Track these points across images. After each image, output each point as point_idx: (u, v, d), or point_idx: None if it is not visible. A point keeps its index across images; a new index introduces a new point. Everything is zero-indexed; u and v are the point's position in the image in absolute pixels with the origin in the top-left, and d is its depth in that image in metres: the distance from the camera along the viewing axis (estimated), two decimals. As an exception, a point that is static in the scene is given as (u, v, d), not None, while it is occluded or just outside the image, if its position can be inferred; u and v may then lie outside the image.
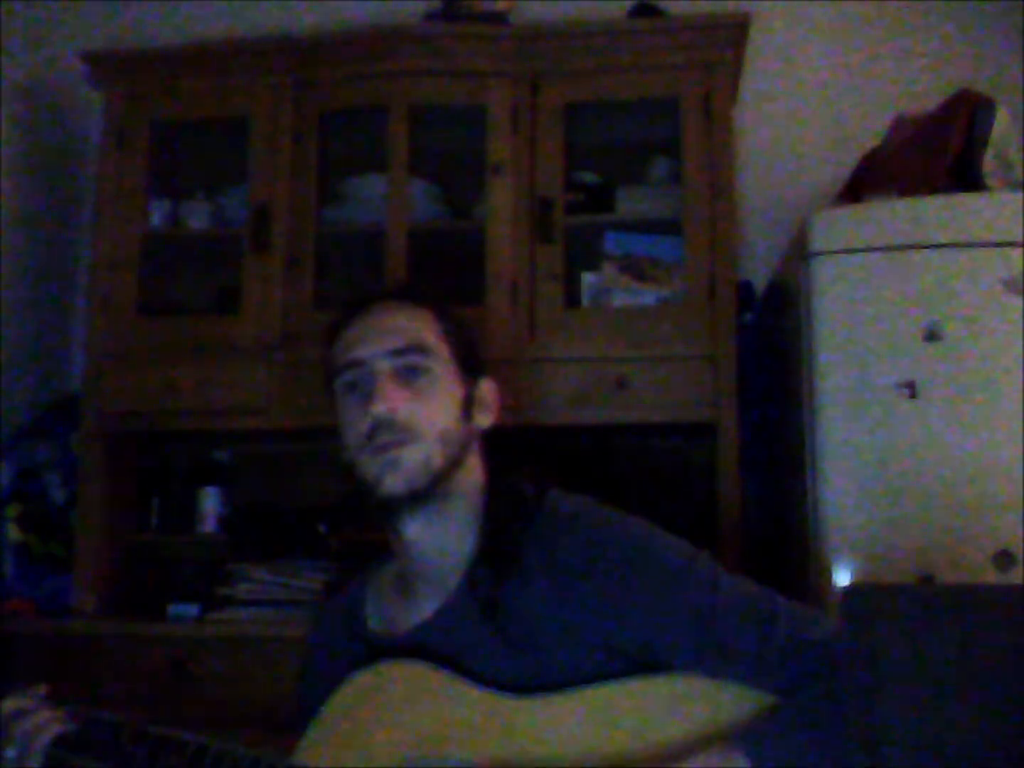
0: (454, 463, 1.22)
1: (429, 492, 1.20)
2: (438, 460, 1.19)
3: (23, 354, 2.85)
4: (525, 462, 1.31)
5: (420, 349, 1.22)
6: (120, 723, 1.21)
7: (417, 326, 1.24)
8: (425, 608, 1.24)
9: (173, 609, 2.48)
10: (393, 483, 1.18)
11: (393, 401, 1.19)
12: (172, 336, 2.59)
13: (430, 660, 1.19)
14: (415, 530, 1.23)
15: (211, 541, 2.68)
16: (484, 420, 1.28)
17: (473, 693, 1.16)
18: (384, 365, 1.21)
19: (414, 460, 1.18)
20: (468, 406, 1.25)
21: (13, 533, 2.62)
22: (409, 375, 1.21)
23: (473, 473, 1.26)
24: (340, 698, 1.20)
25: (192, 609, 2.45)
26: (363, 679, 1.20)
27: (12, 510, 2.64)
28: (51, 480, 2.70)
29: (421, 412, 1.20)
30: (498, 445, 1.31)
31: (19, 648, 2.28)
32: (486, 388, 1.29)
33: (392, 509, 1.22)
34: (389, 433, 1.18)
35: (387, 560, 1.32)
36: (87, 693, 2.23)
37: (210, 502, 2.70)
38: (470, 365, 1.28)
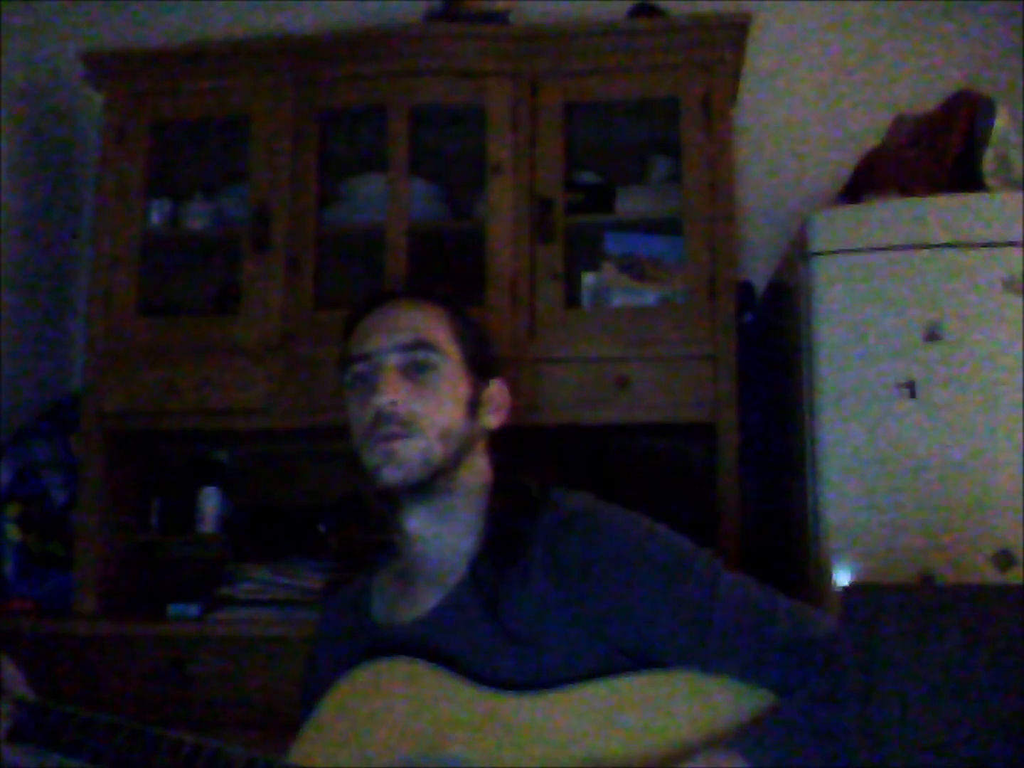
0: (455, 460, 1.23)
1: (428, 486, 1.21)
2: (437, 455, 1.21)
3: (23, 354, 2.85)
4: (526, 462, 1.31)
5: (427, 346, 1.24)
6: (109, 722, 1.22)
7: (428, 324, 1.26)
8: (425, 603, 1.25)
9: (173, 609, 2.48)
10: (391, 474, 1.20)
11: (395, 394, 1.21)
12: (172, 336, 2.59)
13: (429, 655, 1.19)
14: (417, 524, 1.24)
15: (211, 541, 2.68)
16: (491, 421, 1.30)
17: (471, 691, 1.16)
18: (391, 359, 1.23)
19: (412, 453, 1.20)
20: (474, 406, 1.27)
21: (13, 533, 2.62)
22: (415, 370, 1.23)
23: (478, 472, 1.27)
24: (338, 695, 1.20)
25: (192, 609, 2.45)
26: (361, 677, 1.20)
27: (12, 510, 2.64)
28: (51, 480, 2.70)
29: (423, 407, 1.22)
30: (501, 445, 1.32)
31: (19, 648, 2.28)
32: (496, 389, 1.31)
33: (392, 500, 1.23)
34: (390, 425, 1.20)
35: (393, 554, 1.32)
36: (87, 693, 2.24)
37: (210, 502, 2.70)
38: (481, 366, 1.29)
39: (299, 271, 2.54)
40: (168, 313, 2.72)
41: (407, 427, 1.20)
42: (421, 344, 1.24)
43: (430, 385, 1.23)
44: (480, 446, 1.28)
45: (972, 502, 1.99)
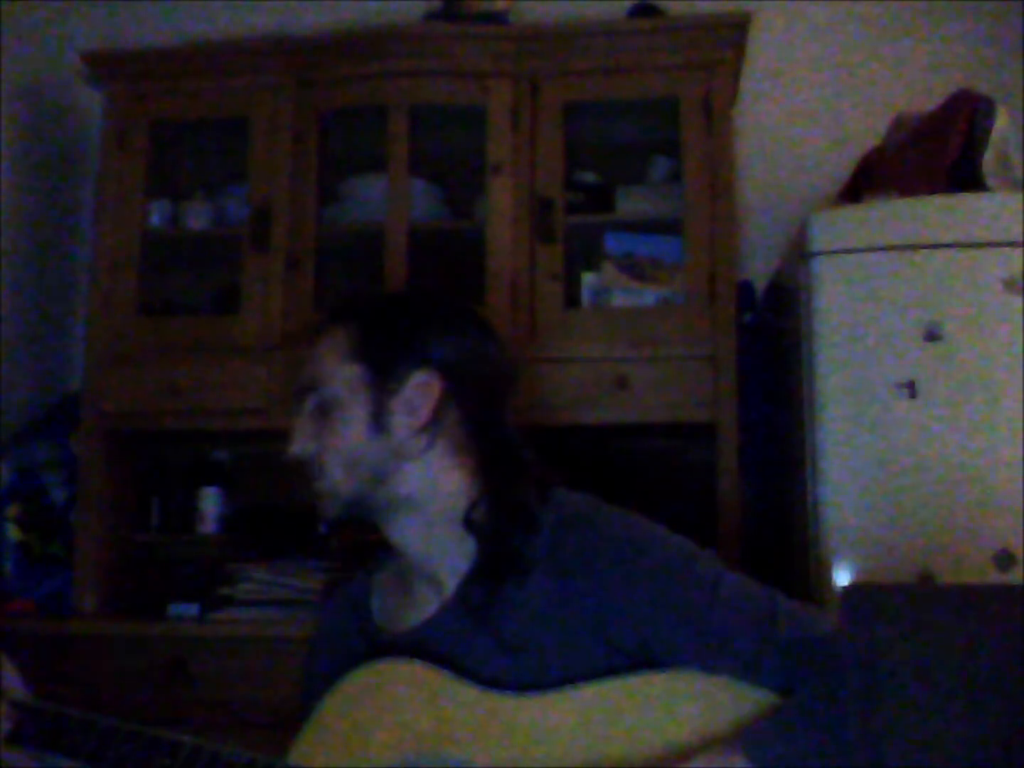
0: (375, 480, 1.23)
1: (363, 510, 1.25)
2: (345, 487, 1.24)
3: (23, 354, 2.85)
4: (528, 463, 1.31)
5: (316, 385, 1.26)
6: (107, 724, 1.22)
7: (321, 358, 1.27)
8: (425, 608, 1.25)
9: (173, 609, 2.48)
10: (322, 511, 1.27)
11: (297, 442, 1.26)
12: (172, 336, 2.59)
13: (429, 659, 1.19)
14: (398, 536, 1.26)
15: (211, 541, 2.68)
16: (409, 423, 1.22)
17: (472, 692, 1.16)
18: (301, 405, 1.27)
19: (324, 493, 1.26)
20: (379, 420, 1.22)
21: (13, 533, 2.62)
22: (319, 408, 1.25)
23: (427, 478, 1.23)
24: (338, 696, 1.20)
25: (192, 609, 2.45)
26: (362, 678, 1.20)
27: (12, 510, 2.64)
28: (51, 480, 2.70)
29: (322, 445, 1.25)
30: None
31: (19, 648, 2.28)
32: (411, 389, 1.23)
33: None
34: (308, 469, 1.26)
35: (393, 553, 1.32)
36: (87, 693, 2.24)
37: (210, 502, 2.70)
38: (391, 370, 1.24)
39: (299, 271, 2.54)
40: (168, 313, 2.72)
41: (315, 469, 1.25)
42: (311, 386, 1.26)
43: (329, 420, 1.24)
44: (415, 449, 1.22)
45: (972, 502, 1.99)
